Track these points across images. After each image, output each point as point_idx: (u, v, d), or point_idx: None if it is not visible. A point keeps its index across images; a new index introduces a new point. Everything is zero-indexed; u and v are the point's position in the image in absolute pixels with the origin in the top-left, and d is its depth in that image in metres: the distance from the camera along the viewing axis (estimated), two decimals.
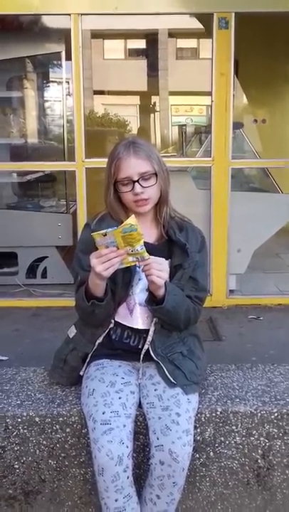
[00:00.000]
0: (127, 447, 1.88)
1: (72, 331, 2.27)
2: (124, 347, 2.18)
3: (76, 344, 2.23)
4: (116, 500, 1.90)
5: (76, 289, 2.14)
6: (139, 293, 2.14)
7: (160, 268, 1.96)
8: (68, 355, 2.25)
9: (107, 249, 1.88)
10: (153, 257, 1.95)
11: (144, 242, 1.98)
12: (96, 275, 1.93)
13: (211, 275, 4.03)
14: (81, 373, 2.22)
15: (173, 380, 2.07)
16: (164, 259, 2.03)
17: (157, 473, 1.93)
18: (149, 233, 2.17)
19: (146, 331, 2.14)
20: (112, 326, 2.15)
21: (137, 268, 2.04)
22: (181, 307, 2.09)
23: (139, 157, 2.06)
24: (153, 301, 2.04)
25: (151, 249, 2.04)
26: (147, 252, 1.93)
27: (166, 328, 2.15)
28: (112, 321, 2.15)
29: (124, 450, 1.87)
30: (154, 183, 2.09)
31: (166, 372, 2.09)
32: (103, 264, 1.89)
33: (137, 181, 2.05)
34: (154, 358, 2.12)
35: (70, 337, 2.26)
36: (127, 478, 1.90)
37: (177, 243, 2.12)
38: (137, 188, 2.05)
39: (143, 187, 2.06)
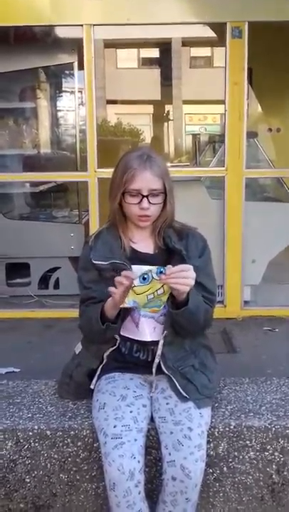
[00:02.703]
0: (139, 462, 1.86)
1: (78, 348, 2.28)
2: (135, 361, 2.16)
3: (81, 360, 2.24)
4: None
5: (79, 305, 2.19)
6: None
7: (184, 276, 1.91)
8: (74, 371, 2.26)
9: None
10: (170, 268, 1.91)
11: (143, 253, 2.13)
12: (112, 299, 1.95)
13: (225, 286, 4.00)
14: (92, 387, 2.20)
15: (185, 395, 2.04)
16: (186, 266, 1.97)
17: (170, 489, 1.90)
18: (148, 243, 2.18)
19: (155, 343, 2.12)
20: (119, 341, 2.13)
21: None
22: (201, 307, 2.06)
23: (154, 173, 2.05)
24: (173, 303, 2.02)
25: (150, 258, 2.09)
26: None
27: (182, 335, 2.13)
28: (117, 337, 2.12)
29: (135, 465, 1.84)
30: (161, 201, 2.09)
31: (178, 386, 2.06)
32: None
33: (146, 196, 2.05)
34: (166, 371, 2.10)
35: (76, 353, 2.28)
36: (139, 493, 1.87)
37: (174, 251, 2.11)
38: (144, 203, 2.05)
39: (150, 203, 2.05)
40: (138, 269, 1.94)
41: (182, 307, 1.99)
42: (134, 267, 1.96)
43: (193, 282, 1.94)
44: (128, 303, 1.92)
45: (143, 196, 2.04)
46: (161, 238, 2.16)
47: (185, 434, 1.92)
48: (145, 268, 1.93)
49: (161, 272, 1.88)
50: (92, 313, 2.06)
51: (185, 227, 2.21)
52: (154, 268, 1.89)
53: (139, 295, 1.91)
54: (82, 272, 2.18)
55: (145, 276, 1.89)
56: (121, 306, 1.95)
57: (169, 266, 1.90)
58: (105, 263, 2.09)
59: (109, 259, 2.09)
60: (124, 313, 2.08)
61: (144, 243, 2.18)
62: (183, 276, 1.91)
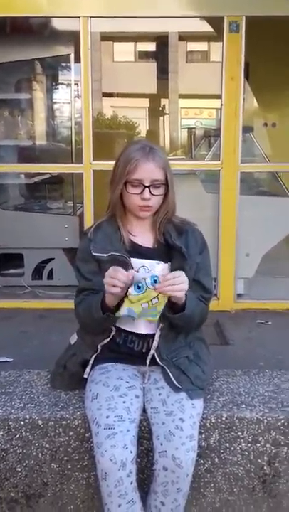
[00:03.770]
0: (131, 452, 1.86)
1: (73, 338, 2.29)
2: (129, 351, 2.16)
3: (76, 350, 2.24)
4: (119, 506, 1.88)
5: (76, 294, 2.19)
6: None
7: (178, 282, 1.94)
8: (68, 361, 2.26)
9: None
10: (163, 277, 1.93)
11: (142, 246, 2.12)
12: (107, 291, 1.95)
13: (219, 279, 4.01)
14: (85, 376, 2.20)
15: (178, 385, 2.05)
16: (178, 272, 1.99)
17: (161, 479, 1.91)
18: (148, 237, 2.19)
19: (150, 336, 2.13)
20: (114, 332, 2.14)
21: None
22: (197, 310, 2.10)
23: (157, 164, 2.06)
24: (171, 308, 2.03)
25: (150, 253, 2.10)
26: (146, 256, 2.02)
27: (178, 331, 2.15)
28: (113, 328, 2.13)
29: (127, 455, 1.85)
30: (162, 193, 2.10)
31: (172, 376, 2.07)
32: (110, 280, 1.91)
33: (148, 187, 2.05)
34: (159, 362, 2.10)
35: (72, 343, 2.28)
36: (131, 483, 1.88)
37: (174, 247, 2.11)
38: (146, 193, 2.05)
39: (152, 194, 2.06)
40: (137, 263, 1.95)
41: (179, 311, 2.02)
42: (133, 260, 1.98)
43: (187, 286, 1.97)
44: (123, 312, 1.93)
45: (145, 187, 2.05)
46: (161, 233, 2.17)
47: (177, 425, 1.92)
48: (144, 262, 1.95)
49: (155, 281, 1.90)
50: (92, 302, 2.06)
51: (184, 222, 2.22)
52: (148, 277, 1.90)
53: (134, 303, 1.91)
54: (81, 263, 2.17)
55: (139, 285, 1.89)
56: (117, 315, 1.96)
57: (163, 274, 1.93)
58: (105, 255, 2.09)
59: (109, 251, 2.09)
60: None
61: (144, 237, 2.18)
62: (178, 283, 1.93)
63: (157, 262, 2.00)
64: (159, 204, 2.13)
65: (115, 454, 1.83)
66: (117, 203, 2.13)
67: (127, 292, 1.91)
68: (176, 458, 1.86)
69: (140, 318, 1.97)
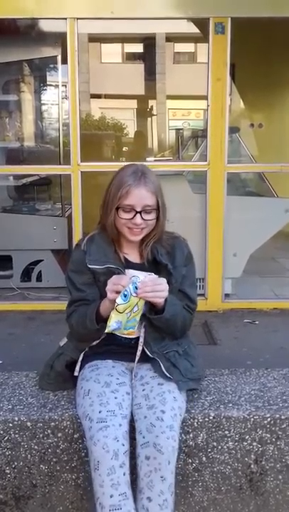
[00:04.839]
0: (123, 445, 1.88)
1: (63, 341, 2.32)
2: (118, 342, 2.18)
3: (64, 350, 2.27)
4: (111, 497, 1.86)
5: (68, 305, 2.22)
6: None
7: (156, 289, 1.99)
8: (56, 360, 2.28)
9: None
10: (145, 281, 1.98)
11: (130, 261, 2.18)
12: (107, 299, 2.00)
13: (206, 279, 4.03)
14: (76, 373, 2.22)
15: (169, 375, 2.08)
16: (160, 279, 2.04)
17: (144, 470, 1.91)
18: (136, 253, 2.22)
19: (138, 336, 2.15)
20: (103, 336, 2.15)
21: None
22: (179, 316, 2.14)
23: (148, 190, 2.09)
24: (152, 310, 2.08)
25: (137, 267, 2.12)
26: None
27: (162, 335, 2.18)
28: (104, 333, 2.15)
29: (119, 447, 1.87)
30: (154, 217, 2.13)
31: (162, 367, 2.10)
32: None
33: (140, 213, 2.08)
34: (150, 355, 2.13)
35: (61, 345, 2.31)
36: (124, 474, 1.88)
37: (161, 264, 2.16)
38: (138, 219, 2.08)
39: (143, 219, 2.09)
40: (130, 273, 1.99)
41: (160, 313, 2.06)
42: (127, 271, 2.01)
43: (166, 294, 2.02)
44: (111, 326, 1.95)
45: (136, 212, 2.07)
46: (148, 249, 2.19)
47: (158, 417, 1.95)
48: (137, 273, 1.99)
49: (136, 288, 1.95)
50: (86, 314, 2.10)
51: (172, 237, 2.25)
52: (130, 285, 1.94)
53: (121, 314, 1.95)
54: (75, 275, 2.20)
55: (125, 293, 1.93)
56: (107, 331, 1.98)
57: (140, 280, 1.97)
58: (101, 267, 2.13)
59: (104, 263, 2.13)
60: None
61: (134, 255, 2.22)
62: (158, 290, 1.99)
63: (148, 273, 2.03)
64: (152, 227, 2.15)
65: (108, 442, 1.85)
66: (110, 225, 2.14)
67: (114, 304, 1.95)
68: (157, 444, 1.88)
69: (122, 331, 2.00)
